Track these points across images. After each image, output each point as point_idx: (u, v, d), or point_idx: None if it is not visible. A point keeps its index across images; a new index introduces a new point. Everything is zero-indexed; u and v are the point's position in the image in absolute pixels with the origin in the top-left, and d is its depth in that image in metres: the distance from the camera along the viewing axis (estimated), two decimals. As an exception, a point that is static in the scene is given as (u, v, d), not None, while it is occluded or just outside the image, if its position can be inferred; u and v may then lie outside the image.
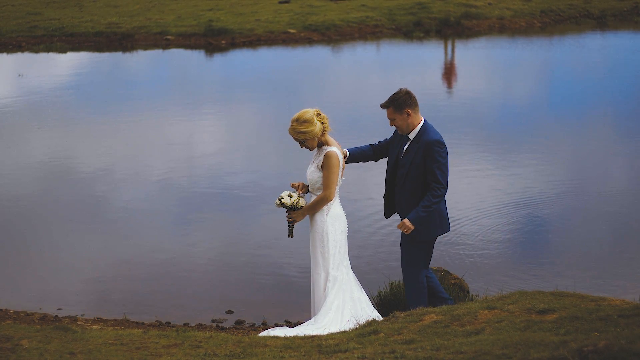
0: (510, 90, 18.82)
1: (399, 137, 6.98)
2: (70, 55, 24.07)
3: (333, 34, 25.27)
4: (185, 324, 7.74)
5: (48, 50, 24.56)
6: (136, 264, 9.35)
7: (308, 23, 25.73)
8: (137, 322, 7.82)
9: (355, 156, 7.18)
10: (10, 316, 7.84)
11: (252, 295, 8.52)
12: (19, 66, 22.71)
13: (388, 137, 7.18)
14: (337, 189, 6.94)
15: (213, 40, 24.67)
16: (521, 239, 9.73)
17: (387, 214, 7.20)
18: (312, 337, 6.17)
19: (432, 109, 15.93)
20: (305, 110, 6.88)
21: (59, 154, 13.84)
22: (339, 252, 6.93)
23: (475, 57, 22.94)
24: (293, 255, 9.26)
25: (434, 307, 6.49)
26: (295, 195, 6.96)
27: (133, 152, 13.97)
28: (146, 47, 24.78)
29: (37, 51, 24.54)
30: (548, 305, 5.81)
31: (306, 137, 6.82)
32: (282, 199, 6.94)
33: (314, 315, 6.93)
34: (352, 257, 7.18)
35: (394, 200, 7.04)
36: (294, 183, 7.10)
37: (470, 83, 19.29)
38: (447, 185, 6.80)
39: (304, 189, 7.07)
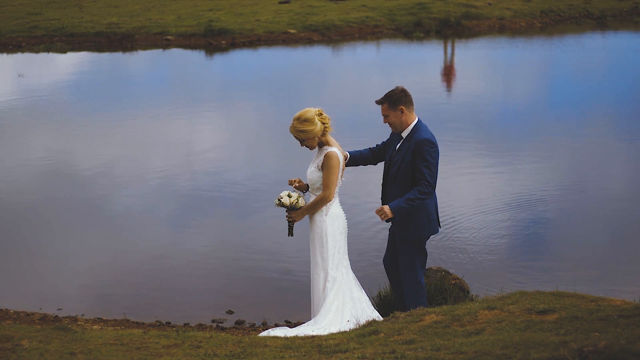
0: (510, 90, 18.82)
1: (394, 137, 7.01)
2: (70, 56, 24.08)
3: (333, 34, 25.28)
4: (185, 324, 7.74)
5: (48, 50, 24.57)
6: (136, 264, 9.34)
7: (308, 23, 25.74)
8: (137, 322, 7.82)
9: (355, 159, 7.20)
10: (11, 316, 7.84)
11: (252, 295, 8.52)
12: (19, 66, 22.71)
13: (386, 140, 7.20)
14: (337, 190, 6.94)
15: (213, 40, 24.67)
16: (521, 239, 9.73)
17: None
18: (312, 337, 6.17)
19: (431, 109, 15.94)
20: (307, 109, 6.88)
21: (59, 154, 13.84)
22: (338, 253, 6.93)
23: (475, 57, 22.94)
24: (293, 255, 9.26)
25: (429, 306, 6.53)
26: (294, 195, 6.96)
27: (133, 152, 13.97)
28: (146, 47, 24.78)
29: (37, 51, 24.54)
30: (548, 305, 5.81)
31: (306, 137, 6.83)
32: (282, 199, 6.95)
33: (314, 315, 6.94)
34: (354, 257, 7.19)
35: (386, 199, 7.06)
36: (291, 179, 7.10)
37: (470, 83, 19.29)
38: (434, 185, 6.82)
39: (301, 184, 7.07)
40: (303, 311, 7.55)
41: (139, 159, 13.56)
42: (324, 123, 6.84)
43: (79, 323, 7.68)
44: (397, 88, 6.91)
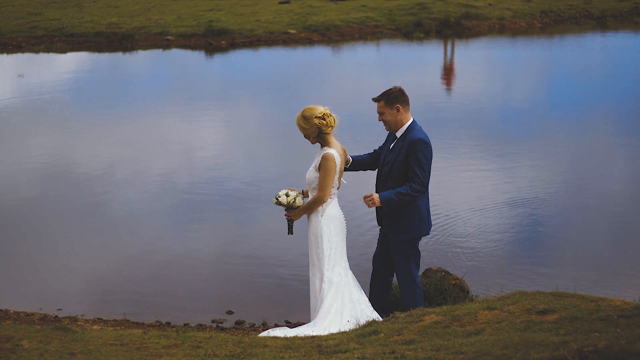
0: (510, 90, 18.82)
1: (389, 139, 7.05)
2: (71, 56, 24.08)
3: (333, 35, 25.28)
4: (185, 324, 7.74)
5: (48, 50, 24.57)
6: (136, 264, 9.34)
7: (308, 23, 25.74)
8: (137, 323, 7.82)
9: (355, 164, 7.27)
10: (11, 316, 7.84)
11: (252, 295, 8.52)
12: (19, 66, 22.71)
13: (382, 144, 7.23)
14: (335, 191, 6.94)
15: (213, 40, 24.67)
16: (521, 239, 9.73)
17: (380, 221, 7.20)
18: (312, 337, 6.17)
19: (431, 109, 15.95)
20: (313, 107, 6.88)
21: (59, 154, 13.84)
22: (334, 254, 6.91)
23: (475, 57, 22.94)
24: (293, 255, 9.26)
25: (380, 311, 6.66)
26: (292, 194, 6.96)
27: (133, 152, 13.97)
28: (146, 48, 24.78)
29: (37, 51, 24.54)
30: (548, 305, 5.82)
31: (301, 131, 6.88)
32: (279, 198, 6.97)
33: (312, 316, 6.93)
34: (355, 257, 7.18)
35: None
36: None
37: (470, 83, 19.29)
38: (426, 185, 6.84)
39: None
40: (303, 311, 7.55)
41: (139, 159, 13.56)
42: (320, 124, 6.81)
43: (79, 323, 7.68)
44: (394, 87, 6.97)
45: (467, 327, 5.68)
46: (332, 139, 6.92)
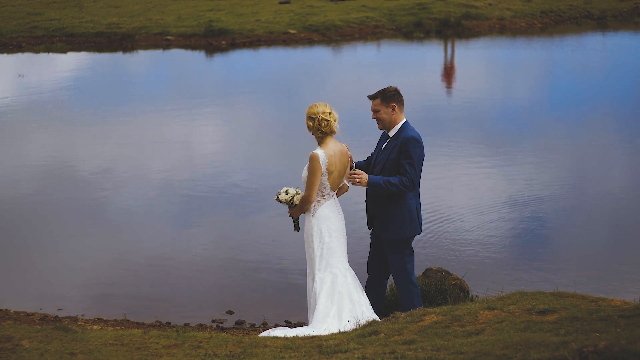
0: (510, 90, 18.82)
1: (381, 140, 7.06)
2: (71, 56, 24.07)
3: (333, 35, 25.28)
4: (185, 324, 7.74)
5: (48, 50, 24.57)
6: (136, 264, 9.34)
7: (308, 23, 25.74)
8: (137, 323, 7.82)
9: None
10: (11, 316, 7.84)
11: (252, 295, 8.52)
12: (19, 66, 22.71)
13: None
14: (329, 191, 6.89)
15: (213, 40, 24.67)
16: (521, 239, 9.73)
17: (370, 224, 7.20)
18: (313, 337, 6.17)
19: (431, 109, 15.95)
20: (316, 105, 6.87)
21: (59, 154, 13.84)
22: (326, 254, 6.88)
23: (475, 57, 22.94)
24: (293, 255, 9.25)
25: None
26: (292, 191, 6.96)
27: (133, 153, 13.97)
28: (146, 48, 24.78)
29: (37, 51, 24.54)
30: (548, 305, 5.82)
31: (307, 127, 6.90)
32: (279, 195, 6.99)
33: (309, 313, 6.91)
34: (356, 258, 7.17)
35: (369, 199, 7.08)
36: None
37: (470, 83, 19.29)
38: (417, 184, 6.86)
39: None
40: (303, 311, 7.54)
41: (139, 158, 13.56)
42: (314, 123, 6.81)
43: (79, 323, 7.68)
44: (391, 86, 7.02)
45: (468, 327, 5.68)
46: (329, 140, 6.86)
